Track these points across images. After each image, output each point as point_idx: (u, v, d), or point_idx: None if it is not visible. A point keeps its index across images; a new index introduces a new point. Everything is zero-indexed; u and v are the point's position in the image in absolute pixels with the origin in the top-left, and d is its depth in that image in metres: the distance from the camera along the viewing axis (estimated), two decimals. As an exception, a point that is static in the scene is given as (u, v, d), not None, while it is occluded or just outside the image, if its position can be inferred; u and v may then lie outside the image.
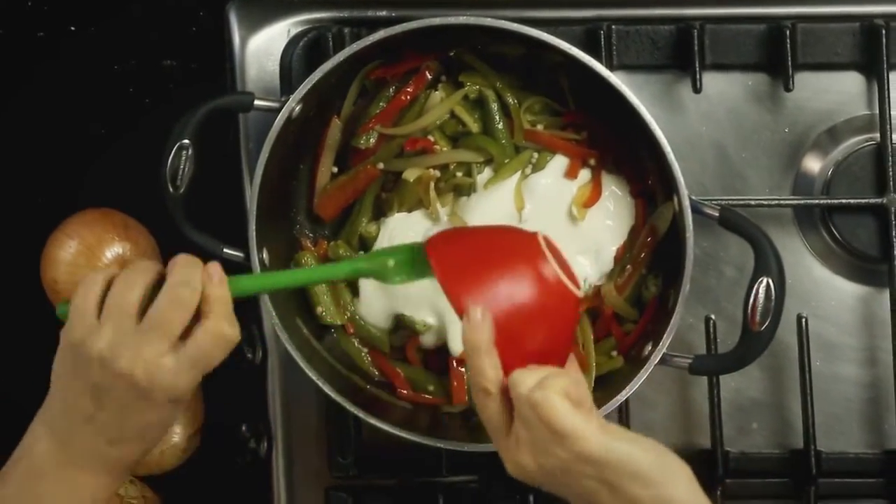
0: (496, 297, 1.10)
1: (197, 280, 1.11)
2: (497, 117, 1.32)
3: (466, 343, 1.09)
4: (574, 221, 1.31)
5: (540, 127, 1.32)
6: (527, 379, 1.07)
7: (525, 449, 1.08)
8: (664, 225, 1.30)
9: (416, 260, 1.18)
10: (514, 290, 1.11)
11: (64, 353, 1.13)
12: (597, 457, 1.05)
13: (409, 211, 1.34)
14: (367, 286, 1.33)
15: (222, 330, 1.11)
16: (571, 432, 1.05)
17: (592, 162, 1.32)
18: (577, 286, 1.13)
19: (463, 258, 1.14)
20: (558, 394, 1.06)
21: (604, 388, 1.29)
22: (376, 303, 1.33)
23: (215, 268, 1.13)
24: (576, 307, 1.15)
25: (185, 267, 1.12)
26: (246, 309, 1.33)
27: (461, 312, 1.09)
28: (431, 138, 1.33)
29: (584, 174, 1.32)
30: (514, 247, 1.15)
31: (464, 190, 1.33)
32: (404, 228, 1.33)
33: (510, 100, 1.32)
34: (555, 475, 1.07)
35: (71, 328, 1.12)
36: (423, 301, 1.31)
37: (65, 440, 1.12)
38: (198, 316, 1.11)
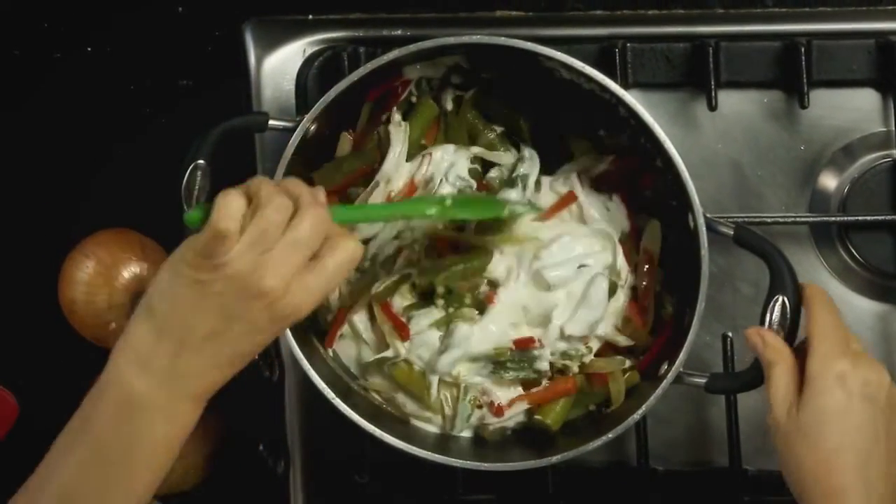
0: None
1: (324, 200, 1.13)
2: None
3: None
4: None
5: None
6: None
7: None
8: (656, 245, 1.29)
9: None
10: None
11: (191, 271, 1.08)
12: None
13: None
14: None
15: (355, 244, 1.12)
16: None
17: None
18: None
19: None
20: None
21: (620, 405, 1.29)
22: None
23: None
24: None
25: (306, 187, 1.12)
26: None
27: None
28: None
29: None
30: None
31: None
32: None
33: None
34: None
35: (209, 246, 1.07)
36: None
37: (167, 371, 1.09)
38: None
